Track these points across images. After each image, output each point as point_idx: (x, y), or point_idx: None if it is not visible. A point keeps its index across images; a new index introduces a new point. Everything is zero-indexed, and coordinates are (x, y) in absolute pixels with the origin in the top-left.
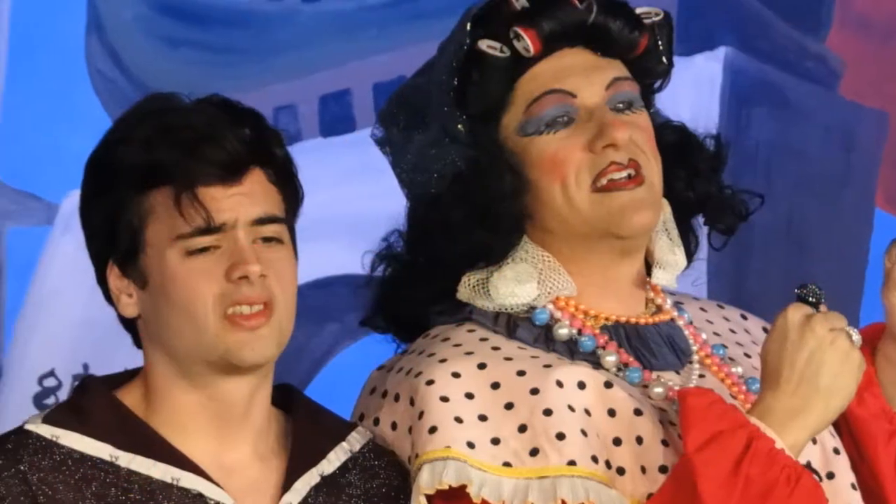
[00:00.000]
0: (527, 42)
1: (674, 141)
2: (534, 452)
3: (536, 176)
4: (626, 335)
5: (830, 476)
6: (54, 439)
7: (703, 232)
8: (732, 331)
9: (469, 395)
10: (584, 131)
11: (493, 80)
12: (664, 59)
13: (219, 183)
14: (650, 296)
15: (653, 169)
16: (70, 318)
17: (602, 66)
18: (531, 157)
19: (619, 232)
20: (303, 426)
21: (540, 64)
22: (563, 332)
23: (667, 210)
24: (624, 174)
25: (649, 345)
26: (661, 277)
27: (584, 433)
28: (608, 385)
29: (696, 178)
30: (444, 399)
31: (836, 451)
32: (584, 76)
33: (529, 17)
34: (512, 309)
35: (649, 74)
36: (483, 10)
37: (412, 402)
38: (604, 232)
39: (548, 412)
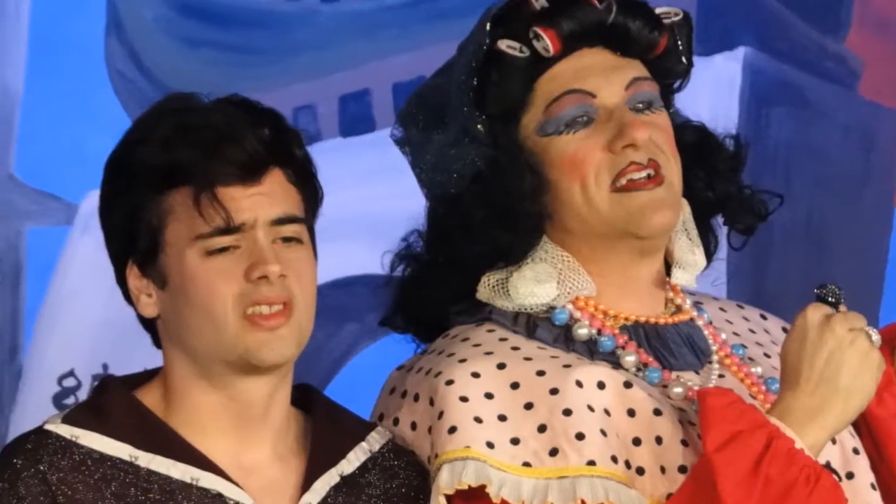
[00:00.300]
0: (546, 42)
1: (693, 141)
2: (553, 452)
3: (556, 176)
4: (646, 335)
5: (850, 476)
6: (74, 439)
7: (722, 232)
8: (752, 331)
9: (488, 395)
10: (604, 131)
11: (513, 81)
12: (684, 59)
13: (238, 183)
14: (669, 296)
15: (672, 169)
16: (89, 318)
17: (622, 66)
18: (550, 157)
19: (639, 232)
20: (322, 426)
21: (559, 64)
22: (582, 332)
23: (686, 210)
24: (643, 174)
25: (669, 345)
26: (680, 277)
27: (603, 433)
28: (628, 385)
29: (716, 178)
30: (464, 399)
31: (856, 451)
32: (604, 76)
33: (549, 16)
34: (531, 309)
35: (669, 74)
36: (503, 10)
37: (432, 402)
38: (623, 232)
39: (567, 412)
